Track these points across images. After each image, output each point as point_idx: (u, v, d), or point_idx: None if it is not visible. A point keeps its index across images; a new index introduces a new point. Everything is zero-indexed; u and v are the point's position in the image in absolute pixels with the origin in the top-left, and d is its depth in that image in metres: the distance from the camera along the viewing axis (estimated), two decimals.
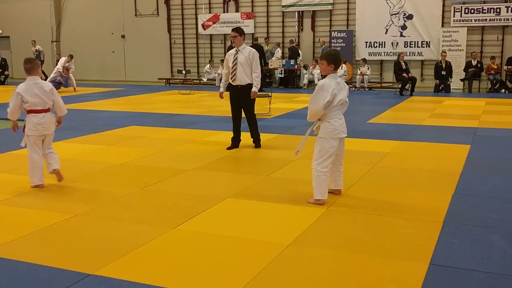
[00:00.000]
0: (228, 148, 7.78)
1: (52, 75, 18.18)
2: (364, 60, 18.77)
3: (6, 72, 21.56)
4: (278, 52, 19.96)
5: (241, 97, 7.70)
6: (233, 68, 7.56)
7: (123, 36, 23.16)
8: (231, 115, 7.93)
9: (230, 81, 7.69)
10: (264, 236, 4.23)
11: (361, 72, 18.59)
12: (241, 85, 7.61)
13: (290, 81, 19.78)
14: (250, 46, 8.56)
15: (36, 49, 22.88)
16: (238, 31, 7.71)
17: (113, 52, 23.43)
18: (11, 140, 8.70)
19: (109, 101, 14.97)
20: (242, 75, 7.57)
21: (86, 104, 14.07)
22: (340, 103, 5.08)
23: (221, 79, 21.71)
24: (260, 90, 8.52)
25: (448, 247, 3.95)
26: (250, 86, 7.60)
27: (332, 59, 5.02)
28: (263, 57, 17.97)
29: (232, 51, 7.69)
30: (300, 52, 19.99)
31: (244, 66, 7.54)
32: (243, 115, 7.86)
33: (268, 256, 3.78)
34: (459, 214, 4.74)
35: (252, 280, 3.41)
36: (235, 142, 7.88)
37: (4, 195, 5.42)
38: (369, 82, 18.74)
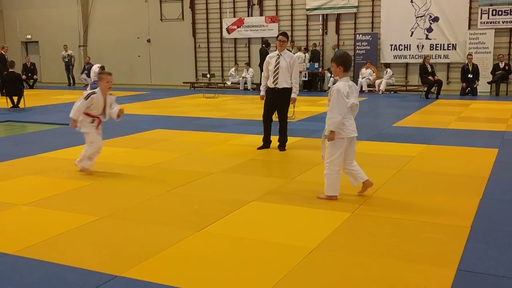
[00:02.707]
0: (259, 148, 8.02)
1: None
2: (386, 65, 18.69)
3: (35, 76, 21.97)
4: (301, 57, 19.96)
5: (277, 100, 7.89)
6: (276, 72, 7.70)
7: (148, 41, 23.41)
8: (261, 118, 8.07)
9: (269, 84, 7.85)
10: (289, 239, 4.24)
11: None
12: (278, 88, 7.78)
13: (314, 84, 19.73)
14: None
15: (68, 54, 23.26)
16: (288, 36, 8.03)
17: (139, 56, 23.70)
18: (38, 143, 8.88)
19: (135, 105, 15.13)
20: (282, 79, 7.71)
21: None
22: (351, 106, 5.13)
23: (245, 83, 21.85)
24: None
25: (476, 252, 3.90)
26: (287, 90, 7.80)
27: (340, 61, 5.09)
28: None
29: (274, 54, 7.86)
30: (320, 55, 19.97)
31: (284, 71, 7.75)
32: (274, 118, 8.08)
33: (293, 260, 3.78)
34: (487, 219, 4.67)
35: (278, 284, 3.42)
36: (266, 143, 8.06)
37: (33, 197, 5.52)
38: (393, 85, 18.59)
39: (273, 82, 7.78)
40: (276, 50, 7.89)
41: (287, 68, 7.73)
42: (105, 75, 6.48)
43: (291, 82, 7.81)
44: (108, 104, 6.59)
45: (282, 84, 7.76)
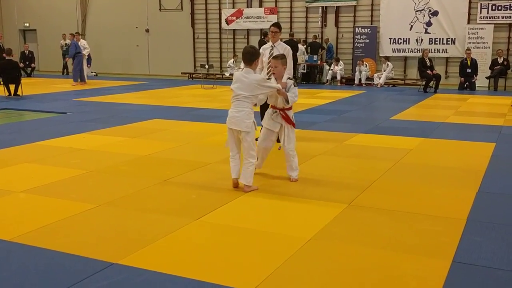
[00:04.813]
0: (256, 139, 7.91)
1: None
2: (386, 58, 18.64)
3: (32, 65, 21.89)
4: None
5: None
6: (270, 63, 7.64)
7: (147, 30, 23.33)
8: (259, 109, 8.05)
9: (262, 75, 7.79)
10: (286, 229, 4.25)
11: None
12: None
13: (312, 76, 19.70)
14: (285, 41, 8.73)
15: (66, 43, 23.17)
16: (280, 27, 7.88)
17: (137, 46, 23.61)
18: (36, 131, 8.87)
19: (133, 95, 15.11)
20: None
21: (110, 97, 14.22)
22: (237, 96, 5.33)
23: None
24: None
25: (472, 244, 3.92)
26: None
27: (242, 55, 5.46)
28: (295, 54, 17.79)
29: (267, 45, 7.79)
30: (324, 46, 19.91)
31: None
32: None
33: (290, 250, 3.79)
34: (483, 212, 4.69)
35: (274, 272, 3.43)
36: None
37: (30, 184, 5.52)
38: (392, 79, 18.59)
39: (267, 74, 7.74)
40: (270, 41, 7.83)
41: None
42: (272, 60, 5.85)
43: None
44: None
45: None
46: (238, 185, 5.39)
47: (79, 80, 17.93)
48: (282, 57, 5.71)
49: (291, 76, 7.89)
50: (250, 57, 5.35)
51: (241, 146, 5.45)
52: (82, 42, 18.75)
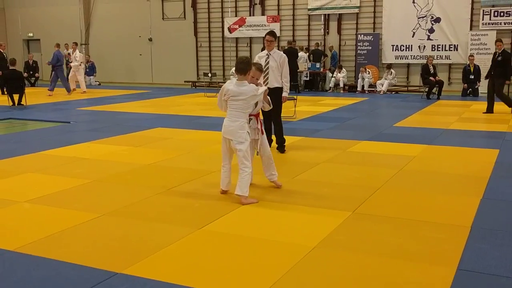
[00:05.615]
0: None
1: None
2: (389, 65, 18.61)
3: (36, 74, 21.98)
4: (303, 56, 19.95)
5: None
6: (266, 72, 7.64)
7: (150, 39, 23.42)
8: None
9: None
10: (290, 238, 4.24)
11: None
12: (270, 88, 7.67)
13: (315, 84, 19.72)
14: (285, 50, 8.71)
15: (68, 53, 23.24)
16: (275, 35, 7.84)
17: (140, 55, 23.70)
18: (40, 140, 8.90)
19: (136, 103, 15.14)
20: (272, 79, 7.64)
21: (113, 106, 14.26)
22: (234, 106, 5.39)
23: None
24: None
25: (476, 252, 3.90)
26: (278, 89, 7.69)
27: (235, 66, 5.50)
28: (295, 61, 17.74)
29: (263, 54, 7.77)
30: (327, 54, 19.94)
31: (275, 70, 7.62)
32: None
33: (293, 258, 3.79)
34: (487, 219, 4.67)
35: (278, 281, 3.42)
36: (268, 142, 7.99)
37: (34, 194, 5.53)
38: (395, 86, 18.59)
39: (264, 82, 7.71)
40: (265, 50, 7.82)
41: (277, 67, 7.61)
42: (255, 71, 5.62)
43: (282, 81, 7.74)
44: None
45: (273, 83, 7.64)
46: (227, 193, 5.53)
47: (69, 89, 18.03)
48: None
49: (288, 82, 7.92)
50: (245, 67, 5.33)
51: (232, 156, 5.54)
52: (76, 54, 18.78)
